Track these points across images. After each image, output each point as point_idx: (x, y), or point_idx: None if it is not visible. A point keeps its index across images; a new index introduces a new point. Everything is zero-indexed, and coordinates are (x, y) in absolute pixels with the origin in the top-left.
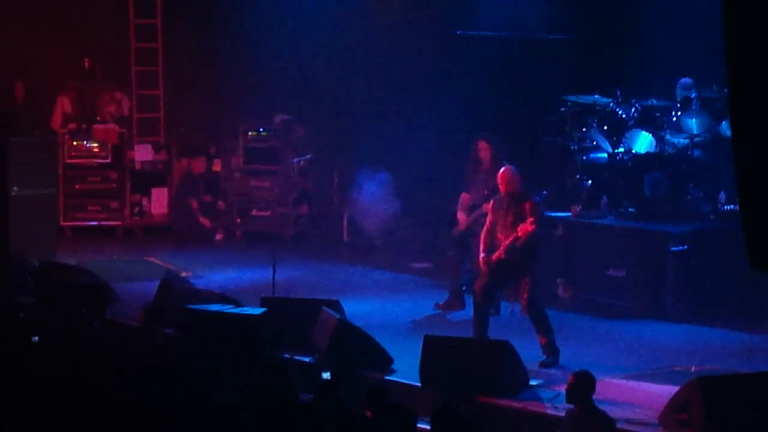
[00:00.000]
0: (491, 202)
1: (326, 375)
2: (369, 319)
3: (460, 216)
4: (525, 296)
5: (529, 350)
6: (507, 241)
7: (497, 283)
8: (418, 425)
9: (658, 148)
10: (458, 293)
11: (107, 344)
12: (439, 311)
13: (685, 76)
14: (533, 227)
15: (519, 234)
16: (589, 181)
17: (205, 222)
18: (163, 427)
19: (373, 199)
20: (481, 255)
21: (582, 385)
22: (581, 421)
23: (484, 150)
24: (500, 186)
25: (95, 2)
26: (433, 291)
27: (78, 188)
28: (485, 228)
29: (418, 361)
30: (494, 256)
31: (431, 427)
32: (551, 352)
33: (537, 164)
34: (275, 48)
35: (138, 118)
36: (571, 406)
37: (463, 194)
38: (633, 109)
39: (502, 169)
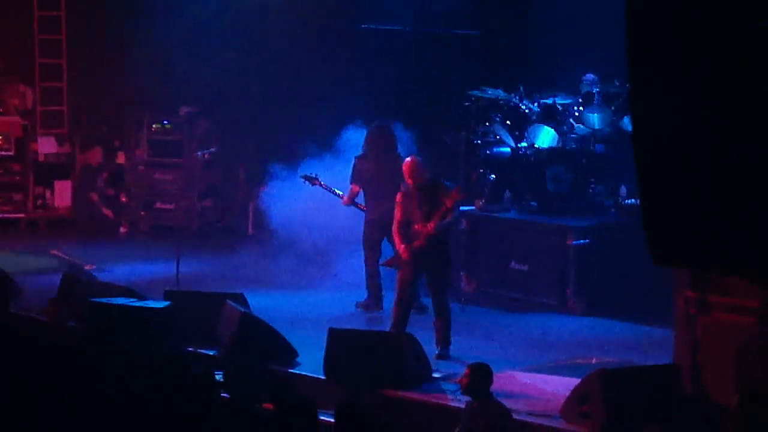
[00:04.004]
0: (399, 195)
1: (219, 376)
2: (274, 312)
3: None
4: (443, 288)
5: (432, 344)
6: (436, 219)
7: (418, 272)
8: (322, 418)
9: (561, 143)
10: (376, 293)
11: (9, 337)
12: (357, 309)
13: (588, 72)
14: (461, 195)
15: (448, 205)
16: (493, 176)
17: (108, 213)
18: (65, 419)
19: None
20: (400, 246)
21: (478, 378)
22: (479, 413)
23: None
24: (406, 178)
25: None
26: (338, 285)
27: None
28: (396, 222)
29: (323, 354)
30: (424, 234)
31: (335, 421)
32: (446, 344)
33: (441, 158)
34: (180, 41)
35: (41, 111)
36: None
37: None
38: (536, 104)
39: (406, 160)
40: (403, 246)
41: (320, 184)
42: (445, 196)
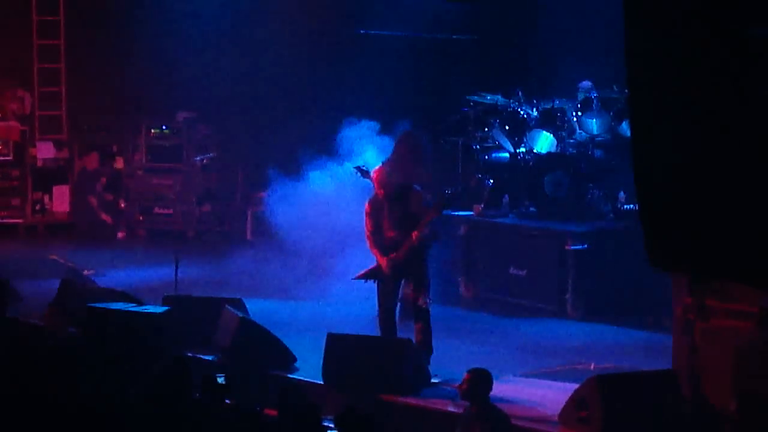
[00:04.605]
0: (367, 206)
1: (221, 379)
2: (272, 317)
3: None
4: (419, 294)
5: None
6: (421, 228)
7: (398, 284)
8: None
9: (559, 148)
10: None
11: (8, 342)
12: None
13: (585, 78)
14: (439, 210)
15: (433, 216)
16: (491, 181)
17: (107, 218)
18: (64, 425)
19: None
20: (382, 259)
21: (478, 383)
22: (477, 418)
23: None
24: (376, 188)
25: None
26: (337, 290)
27: None
28: (368, 232)
29: (322, 359)
30: (407, 244)
31: (335, 427)
32: (428, 351)
33: (439, 163)
34: (179, 46)
35: (40, 116)
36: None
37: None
38: (534, 109)
39: (375, 168)
40: (384, 259)
41: (371, 179)
42: (416, 200)
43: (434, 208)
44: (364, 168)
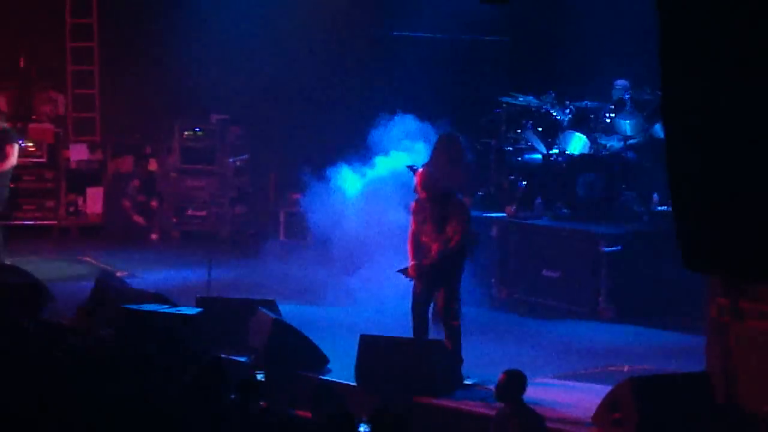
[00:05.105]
0: (412, 205)
1: (260, 376)
2: (305, 319)
3: None
4: (450, 304)
5: (464, 351)
6: (438, 245)
7: (432, 288)
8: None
9: (592, 150)
10: None
11: (40, 344)
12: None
13: (620, 78)
14: (462, 225)
15: (450, 234)
16: (524, 182)
17: (140, 220)
18: (97, 426)
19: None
20: (412, 262)
21: (512, 384)
22: (511, 419)
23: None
24: (418, 190)
25: (31, 1)
26: (370, 291)
27: (13, 187)
28: (410, 233)
29: (354, 360)
30: (426, 261)
31: (371, 429)
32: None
33: (473, 164)
34: (211, 48)
35: (73, 118)
36: (502, 405)
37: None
38: (567, 111)
39: (418, 171)
40: (413, 263)
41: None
42: (453, 210)
43: (455, 223)
44: (415, 167)
